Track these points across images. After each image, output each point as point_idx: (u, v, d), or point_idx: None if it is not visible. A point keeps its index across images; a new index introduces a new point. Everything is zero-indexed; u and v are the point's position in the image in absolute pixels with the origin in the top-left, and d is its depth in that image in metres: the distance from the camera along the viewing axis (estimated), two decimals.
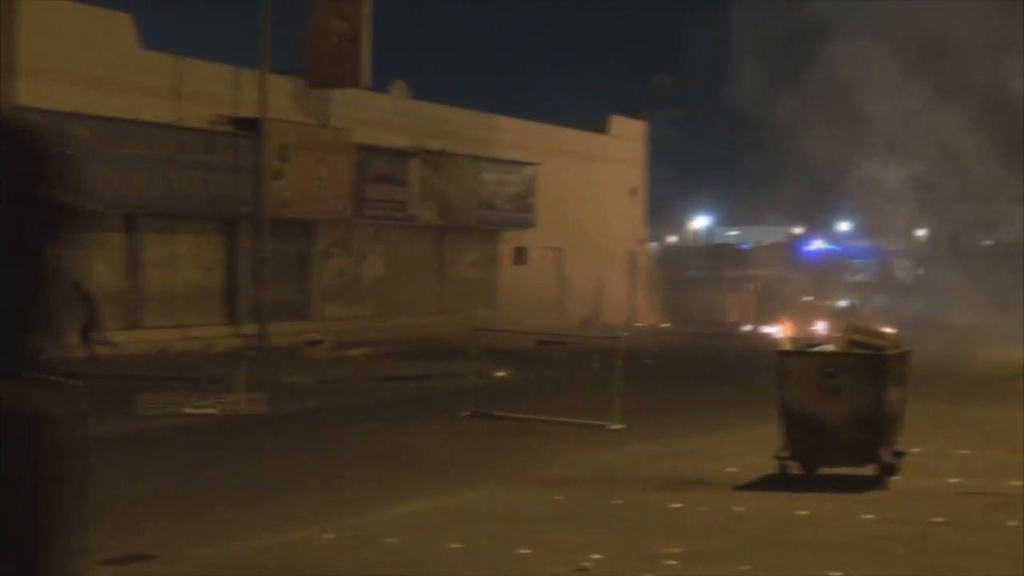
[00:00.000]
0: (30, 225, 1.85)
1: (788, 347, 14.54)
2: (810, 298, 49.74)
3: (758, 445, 14.97)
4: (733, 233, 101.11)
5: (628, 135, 52.64)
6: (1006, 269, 55.69)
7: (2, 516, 2.53)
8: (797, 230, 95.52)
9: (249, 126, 33.68)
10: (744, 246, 76.13)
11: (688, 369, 28.82)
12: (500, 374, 26.11)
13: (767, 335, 36.51)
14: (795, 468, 13.55)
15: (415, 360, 29.55)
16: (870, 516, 11.83)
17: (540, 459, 15.60)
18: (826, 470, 13.61)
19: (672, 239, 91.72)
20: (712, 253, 64.65)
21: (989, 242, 74.91)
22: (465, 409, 19.65)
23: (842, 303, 50.57)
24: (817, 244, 70.76)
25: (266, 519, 11.73)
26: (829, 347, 14.37)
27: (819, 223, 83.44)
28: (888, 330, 14.85)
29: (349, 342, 33.99)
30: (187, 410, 19.63)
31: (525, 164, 44.46)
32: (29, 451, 2.50)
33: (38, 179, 1.86)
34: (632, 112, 55.51)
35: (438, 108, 42.13)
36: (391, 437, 17.39)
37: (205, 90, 33.23)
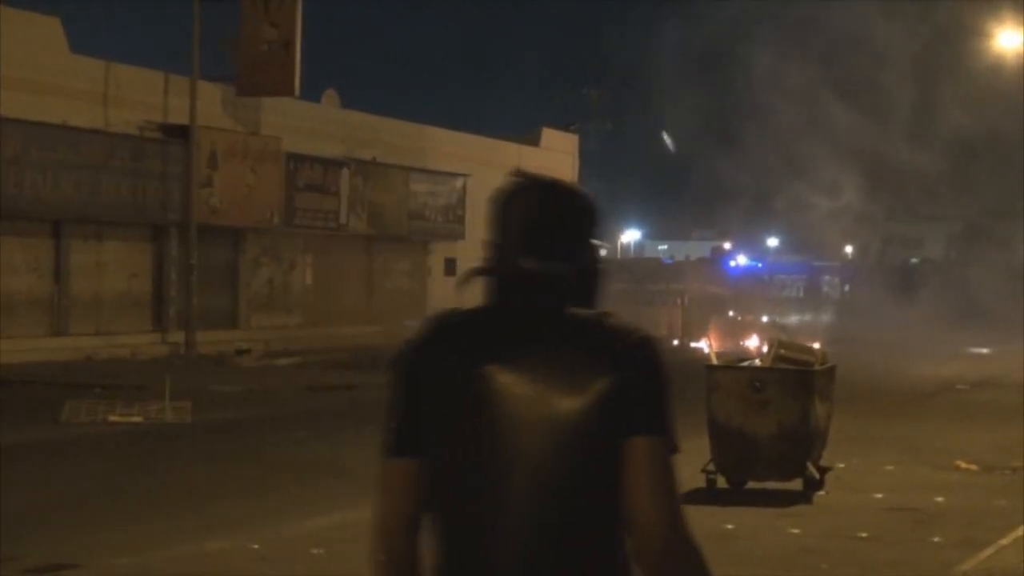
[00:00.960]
0: (592, 265, 3.15)
1: (716, 361, 14.58)
2: (733, 313, 50.01)
3: (685, 458, 14.83)
4: (662, 247, 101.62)
5: (559, 148, 52.74)
6: (930, 286, 56.23)
7: None
8: (726, 245, 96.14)
9: (178, 133, 33.44)
10: (667, 260, 76.35)
11: None
12: None
13: (695, 349, 36.64)
14: (722, 482, 13.58)
15: (344, 370, 29.41)
16: (796, 531, 11.88)
17: None
18: (753, 484, 13.65)
19: (602, 252, 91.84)
20: (634, 267, 64.63)
21: (915, 259, 75.76)
22: None
23: (767, 318, 50.84)
24: (741, 259, 71.08)
25: (190, 528, 11.63)
26: (756, 362, 14.42)
27: (747, 238, 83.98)
28: (814, 345, 14.95)
29: (278, 351, 33.80)
30: (112, 418, 19.44)
31: (455, 175, 44.46)
32: None
33: (592, 231, 3.18)
34: (563, 125, 55.65)
35: (369, 118, 42.03)
36: (320, 447, 17.28)
37: (134, 96, 32.96)
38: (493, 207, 3.16)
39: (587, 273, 3.15)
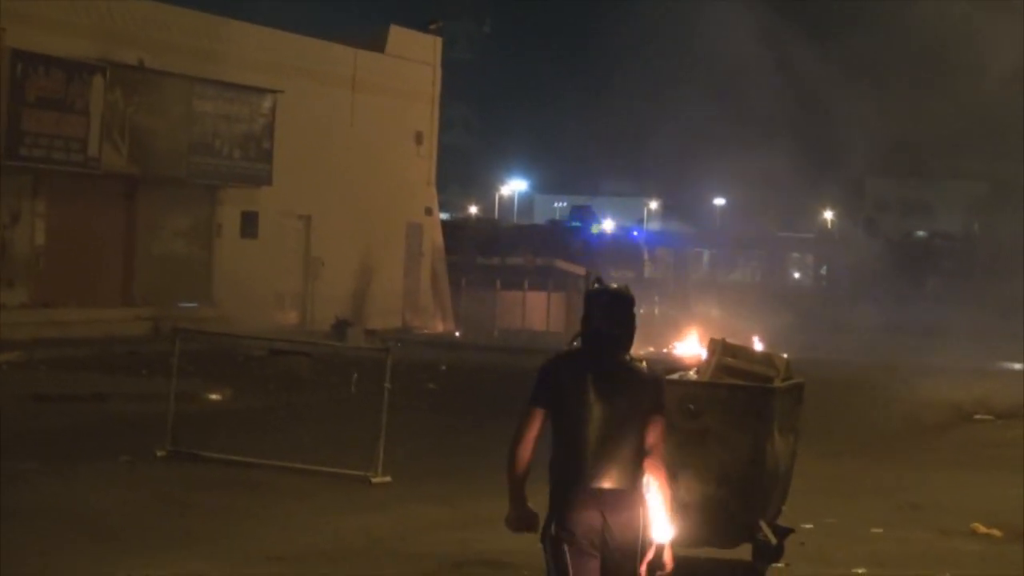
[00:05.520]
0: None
1: None
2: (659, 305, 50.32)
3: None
4: (560, 205, 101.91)
5: (413, 55, 52.62)
6: (945, 271, 56.93)
7: None
8: (652, 204, 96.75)
9: None
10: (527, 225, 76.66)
11: (486, 397, 28.94)
12: (214, 396, 25.94)
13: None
14: None
15: (89, 372, 29.19)
16: None
17: (266, 523, 15.51)
18: (680, 550, 13.71)
19: (473, 210, 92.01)
20: (462, 232, 64.62)
21: (922, 232, 76.63)
22: (160, 446, 19.46)
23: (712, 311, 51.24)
24: (607, 225, 71.40)
25: None
26: (691, 375, 14.41)
27: (685, 196, 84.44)
28: (775, 353, 15.01)
29: None
30: None
31: (262, 91, 44.25)
32: None
33: (632, 312, 9.07)
34: (421, 24, 55.57)
35: (135, 2, 41.67)
36: (46, 485, 17.14)
37: None
38: (588, 298, 8.76)
39: (630, 334, 8.69)
